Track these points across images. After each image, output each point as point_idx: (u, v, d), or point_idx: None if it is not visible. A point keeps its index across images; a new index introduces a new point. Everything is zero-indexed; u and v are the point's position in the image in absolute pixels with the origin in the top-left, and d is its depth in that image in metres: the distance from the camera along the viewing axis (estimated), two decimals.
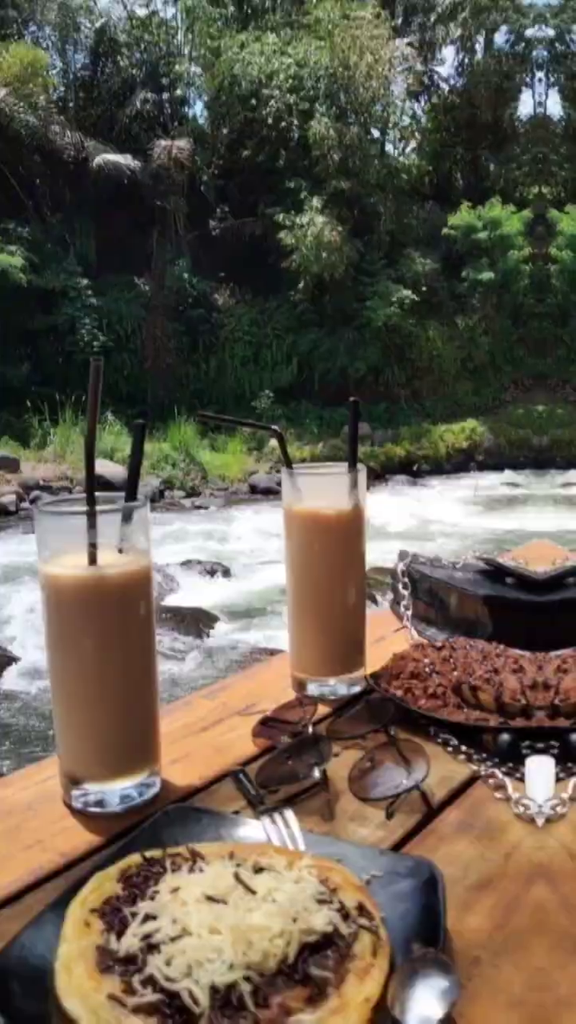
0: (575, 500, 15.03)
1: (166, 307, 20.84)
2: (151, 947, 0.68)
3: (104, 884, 0.77)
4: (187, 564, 9.25)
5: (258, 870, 0.78)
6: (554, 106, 23.57)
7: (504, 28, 24.12)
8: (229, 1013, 0.64)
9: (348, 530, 1.39)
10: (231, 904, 0.72)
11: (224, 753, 1.19)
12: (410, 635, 1.64)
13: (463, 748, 1.17)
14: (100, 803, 1.04)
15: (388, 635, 1.67)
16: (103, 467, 13.23)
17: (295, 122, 21.56)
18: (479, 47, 24.85)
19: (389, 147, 24.93)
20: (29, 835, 1.01)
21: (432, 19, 24.86)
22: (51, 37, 23.09)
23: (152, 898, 0.74)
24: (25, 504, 14.26)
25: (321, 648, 1.41)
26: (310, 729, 1.18)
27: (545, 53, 22.51)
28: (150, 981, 0.66)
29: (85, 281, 20.12)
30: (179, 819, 0.94)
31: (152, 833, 0.90)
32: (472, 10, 23.31)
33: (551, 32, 21.93)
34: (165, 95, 22.95)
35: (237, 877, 0.76)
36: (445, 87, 25.82)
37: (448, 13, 24.15)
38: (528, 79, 24.13)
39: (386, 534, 10.70)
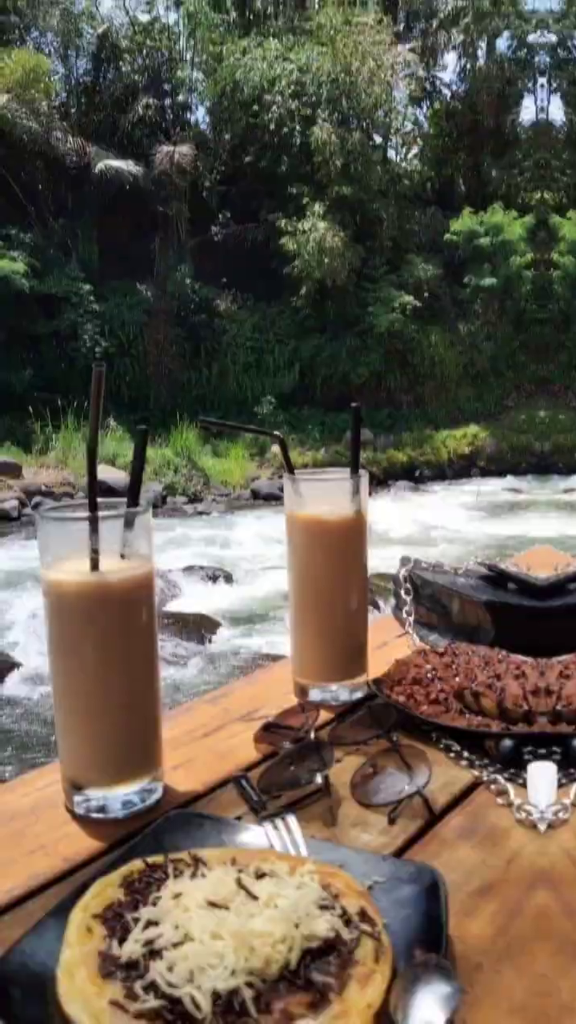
0: None
1: (168, 313, 20.84)
2: (153, 953, 0.69)
3: (106, 890, 0.77)
4: (189, 570, 9.24)
5: (260, 876, 0.78)
6: (556, 112, 23.60)
7: (506, 34, 24.21)
8: (231, 1019, 0.64)
9: (350, 536, 1.38)
10: (233, 910, 0.72)
11: (226, 759, 1.19)
12: (412, 641, 1.64)
13: (465, 754, 1.17)
14: (102, 809, 1.04)
15: (390, 641, 1.67)
16: (105, 473, 13.24)
17: (297, 128, 21.56)
18: (481, 53, 24.88)
19: (391, 153, 24.95)
20: (31, 841, 1.01)
21: (434, 25, 24.90)
22: (53, 43, 23.05)
23: (154, 904, 0.74)
24: (27, 510, 14.29)
25: (323, 654, 1.40)
26: (312, 735, 1.18)
27: (547, 59, 22.55)
28: (152, 987, 0.66)
29: (87, 287, 20.10)
30: (181, 825, 0.94)
31: (154, 839, 0.90)
32: (474, 16, 23.35)
33: (553, 38, 21.95)
34: (167, 101, 22.95)
35: (239, 883, 0.76)
36: (447, 93, 25.88)
37: (450, 19, 24.19)
38: (530, 85, 24.21)
39: (388, 540, 10.70)
